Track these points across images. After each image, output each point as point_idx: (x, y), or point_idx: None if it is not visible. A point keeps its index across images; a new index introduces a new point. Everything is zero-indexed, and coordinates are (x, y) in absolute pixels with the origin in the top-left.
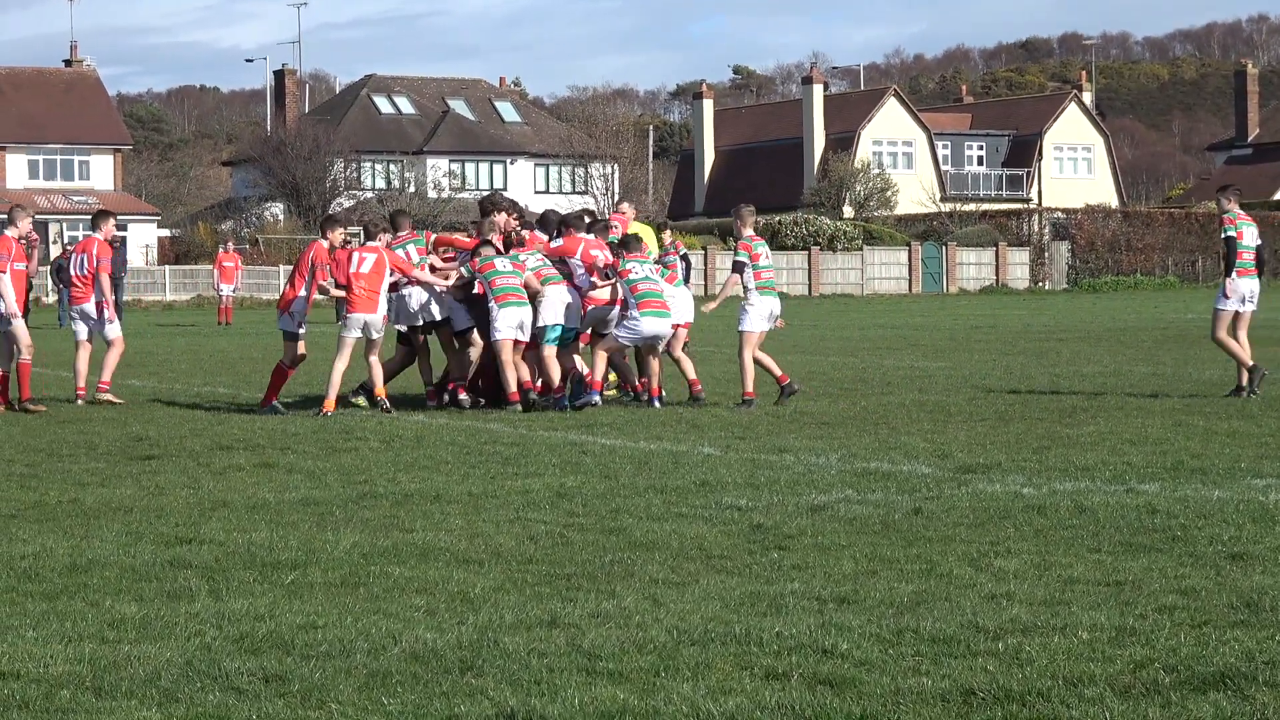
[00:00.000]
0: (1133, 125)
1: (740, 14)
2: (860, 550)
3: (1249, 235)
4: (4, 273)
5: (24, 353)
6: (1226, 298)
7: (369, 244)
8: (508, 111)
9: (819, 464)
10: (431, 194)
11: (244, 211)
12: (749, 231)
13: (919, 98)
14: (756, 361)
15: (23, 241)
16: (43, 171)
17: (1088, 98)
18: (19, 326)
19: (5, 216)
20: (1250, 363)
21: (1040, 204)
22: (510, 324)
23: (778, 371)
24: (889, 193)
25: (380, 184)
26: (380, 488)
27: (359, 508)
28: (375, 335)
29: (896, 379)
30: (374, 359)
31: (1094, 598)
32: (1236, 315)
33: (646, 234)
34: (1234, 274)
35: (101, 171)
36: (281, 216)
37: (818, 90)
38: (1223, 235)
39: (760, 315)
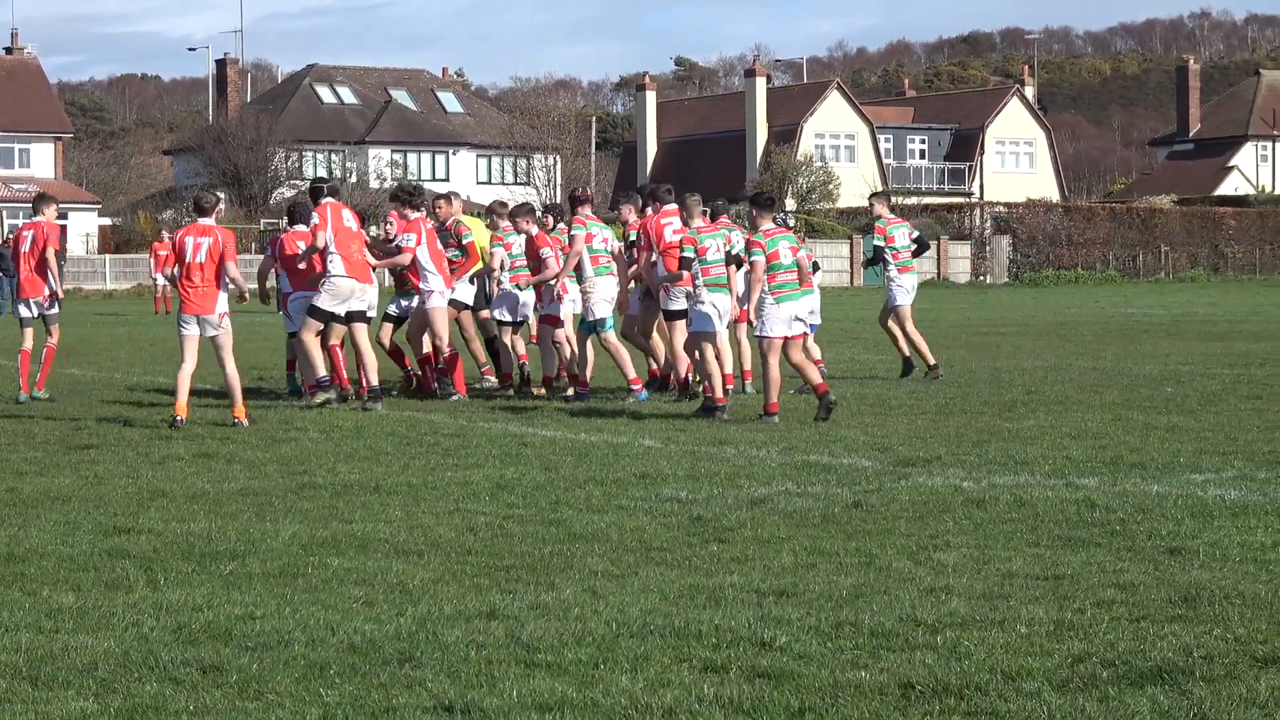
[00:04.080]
0: (1074, 120)
1: (689, 5)
2: (800, 543)
3: (900, 237)
4: None
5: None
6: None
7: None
8: (450, 102)
9: (759, 456)
10: (374, 184)
11: (185, 200)
12: (697, 223)
13: (862, 91)
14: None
15: None
16: None
17: (1030, 92)
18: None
19: None
20: (908, 353)
21: (982, 198)
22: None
23: (683, 373)
24: (831, 186)
25: (322, 173)
26: (320, 478)
27: (298, 498)
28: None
29: (836, 371)
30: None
31: (1033, 592)
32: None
33: (477, 226)
34: (895, 271)
35: (42, 159)
36: (223, 206)
37: (760, 83)
38: (874, 243)
39: (711, 316)
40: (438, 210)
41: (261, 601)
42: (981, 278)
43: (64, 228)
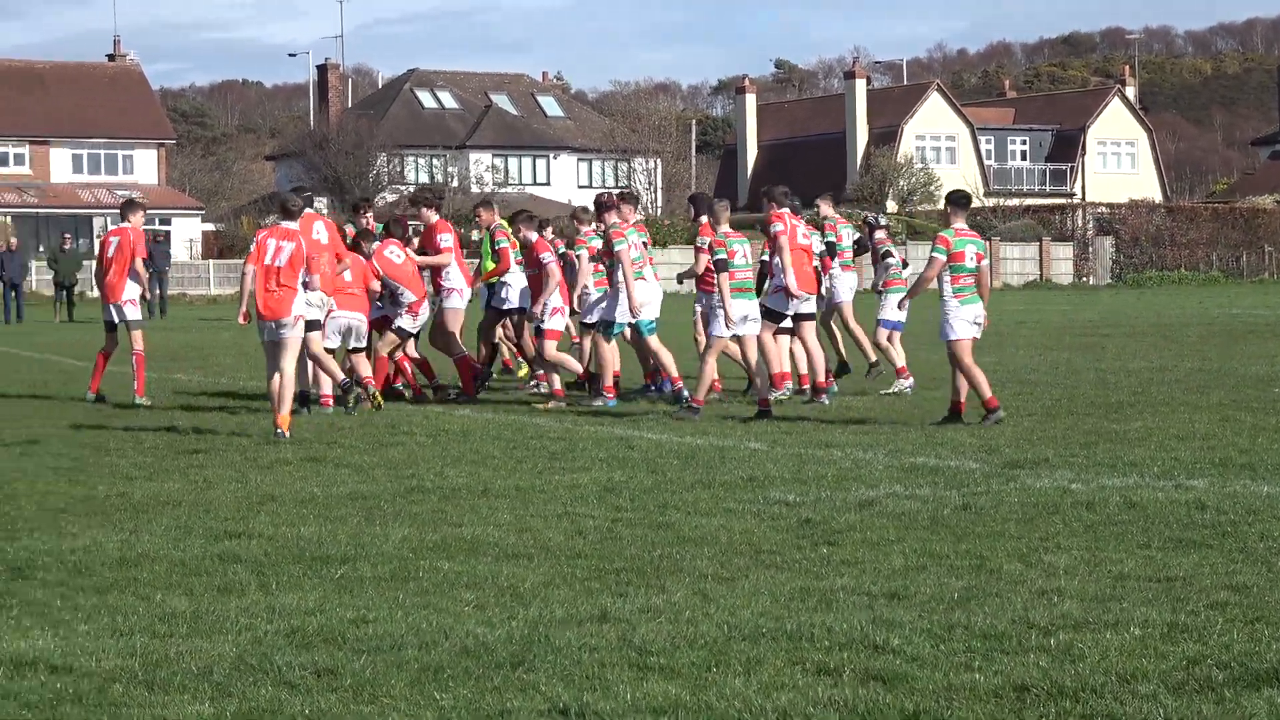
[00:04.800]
0: (1175, 120)
1: (787, 8)
2: (909, 546)
3: (846, 237)
4: None
5: None
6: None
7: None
8: (550, 106)
9: (866, 459)
10: (474, 188)
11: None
12: (724, 228)
13: (962, 92)
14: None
15: None
16: (86, 166)
17: (1131, 92)
18: None
19: None
20: (843, 356)
21: (1084, 199)
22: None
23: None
24: (932, 187)
25: (423, 178)
26: (428, 482)
27: (407, 502)
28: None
29: (942, 374)
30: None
31: (1145, 594)
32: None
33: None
34: (840, 270)
35: (145, 166)
36: (325, 210)
37: (860, 85)
38: (825, 240)
39: (731, 319)
40: (479, 217)
41: (373, 605)
42: (1084, 279)
43: (168, 233)
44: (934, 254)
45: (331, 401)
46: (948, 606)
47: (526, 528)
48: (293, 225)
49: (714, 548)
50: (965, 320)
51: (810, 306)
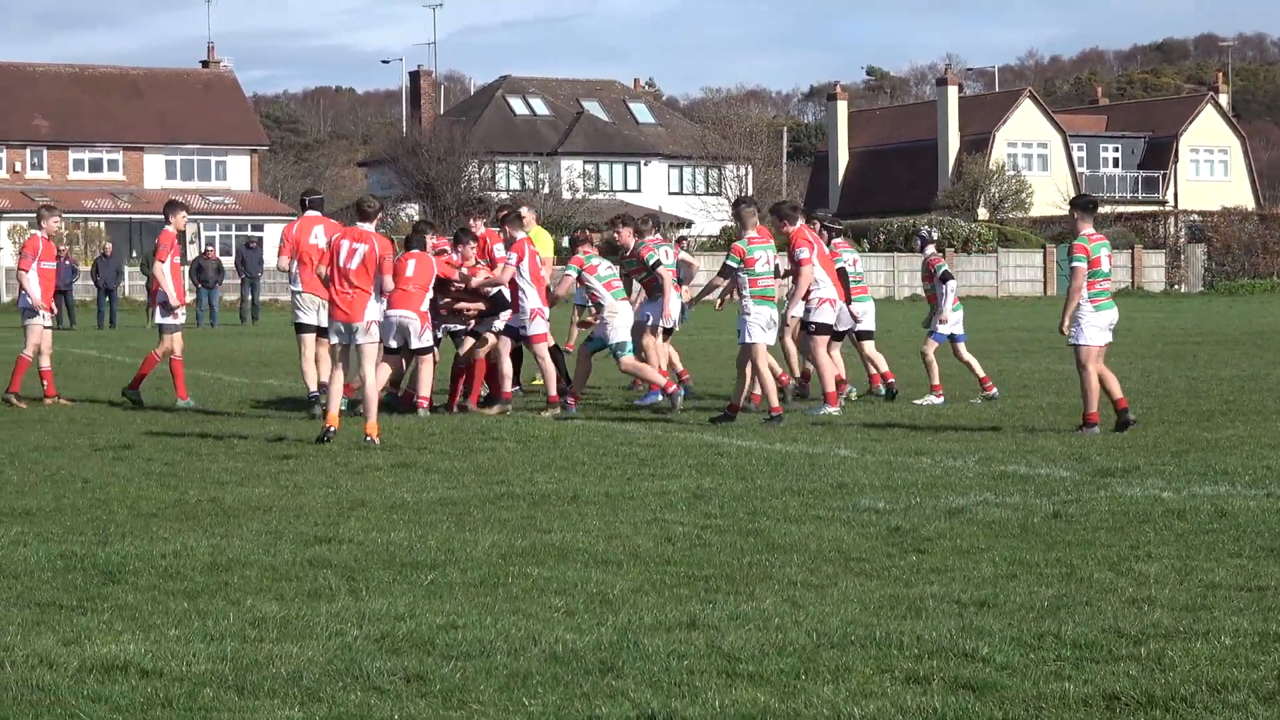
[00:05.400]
0: (1269, 127)
1: (881, 16)
2: (999, 554)
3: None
4: (27, 271)
5: (28, 349)
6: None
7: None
8: (642, 113)
9: (956, 466)
10: (566, 195)
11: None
12: (750, 234)
13: (1054, 99)
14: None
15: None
16: (180, 172)
17: (1224, 99)
18: (35, 324)
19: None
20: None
21: (1176, 206)
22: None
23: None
24: (1024, 194)
25: (515, 185)
26: (517, 488)
27: (496, 508)
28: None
29: (1033, 382)
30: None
31: (1236, 603)
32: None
33: (543, 239)
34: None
35: (238, 171)
36: (416, 217)
37: (952, 92)
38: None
39: (759, 324)
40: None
41: (463, 611)
42: (1176, 286)
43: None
44: (1075, 263)
45: (426, 404)
46: (1037, 615)
47: (615, 534)
48: (368, 227)
49: (803, 555)
50: (1098, 326)
51: (826, 317)
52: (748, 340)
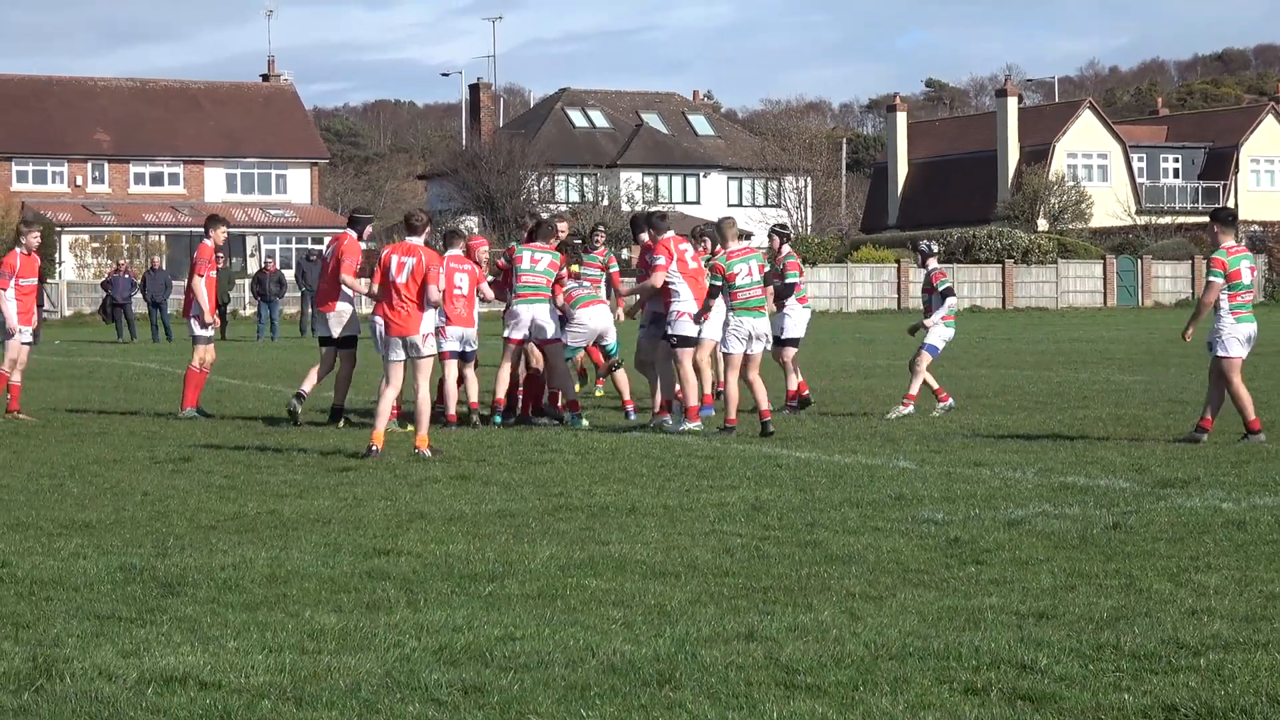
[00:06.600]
0: None
1: (941, 28)
2: (1058, 565)
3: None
4: (5, 290)
5: (4, 364)
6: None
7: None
8: (701, 125)
9: (1015, 478)
10: (625, 207)
11: (439, 224)
12: (732, 246)
13: (1114, 110)
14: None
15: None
16: (240, 185)
17: None
18: (12, 344)
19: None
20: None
21: (1237, 217)
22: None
23: (764, 405)
24: (1084, 205)
25: (574, 197)
26: (575, 500)
27: (554, 520)
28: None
29: (1092, 393)
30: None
31: None
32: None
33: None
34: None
35: (298, 185)
36: (476, 229)
37: (1012, 103)
38: (1208, 278)
39: (738, 336)
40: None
41: (521, 623)
42: None
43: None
44: (1211, 278)
45: (457, 419)
46: (1097, 626)
47: (674, 546)
48: (416, 240)
49: (861, 566)
50: (1239, 339)
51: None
52: (724, 350)
